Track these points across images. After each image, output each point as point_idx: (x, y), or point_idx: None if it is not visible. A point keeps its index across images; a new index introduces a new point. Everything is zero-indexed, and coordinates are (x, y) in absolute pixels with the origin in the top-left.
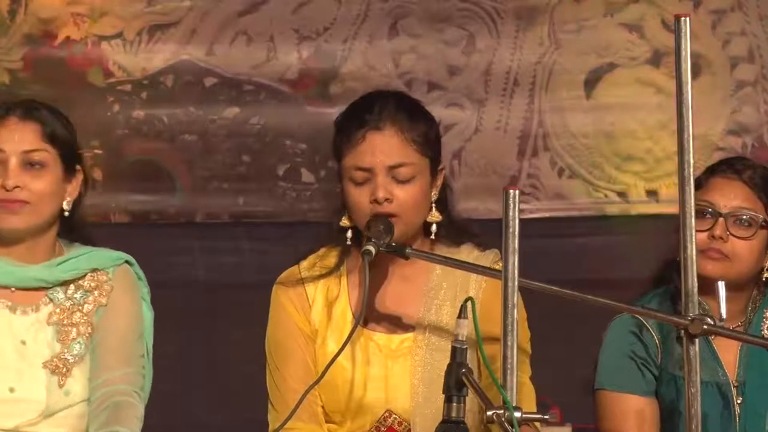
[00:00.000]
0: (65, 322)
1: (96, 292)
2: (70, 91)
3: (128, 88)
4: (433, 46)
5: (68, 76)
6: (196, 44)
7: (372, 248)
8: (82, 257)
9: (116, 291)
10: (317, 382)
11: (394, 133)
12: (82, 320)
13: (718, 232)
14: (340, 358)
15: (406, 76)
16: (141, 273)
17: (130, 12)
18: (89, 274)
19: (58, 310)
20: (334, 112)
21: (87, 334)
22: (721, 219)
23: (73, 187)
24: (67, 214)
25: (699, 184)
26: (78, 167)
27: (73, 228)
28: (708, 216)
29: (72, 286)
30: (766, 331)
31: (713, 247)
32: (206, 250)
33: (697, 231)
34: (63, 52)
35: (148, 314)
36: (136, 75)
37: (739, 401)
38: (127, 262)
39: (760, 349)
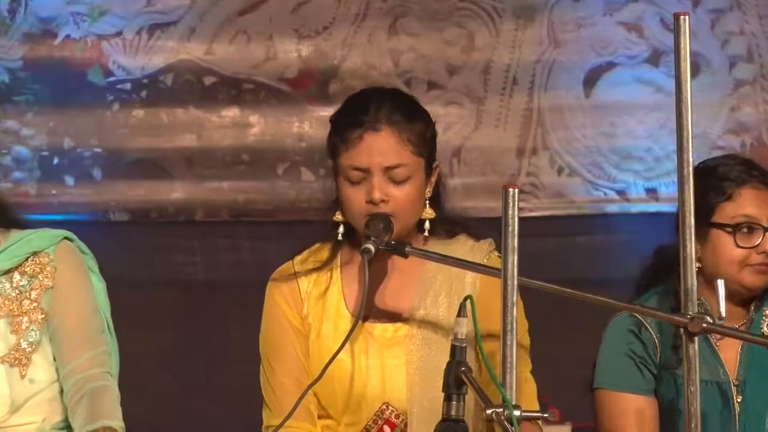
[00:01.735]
0: (16, 312)
1: (40, 276)
2: (70, 91)
3: (128, 87)
4: (433, 45)
5: (68, 76)
6: (196, 43)
7: (371, 246)
8: (18, 243)
9: (61, 271)
10: (316, 381)
11: (391, 133)
12: (32, 307)
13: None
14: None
15: (405, 75)
16: (84, 246)
17: (130, 11)
18: (30, 258)
19: (6, 302)
20: (334, 110)
21: (39, 320)
22: (767, 234)
23: None
24: None
25: (722, 193)
26: None
27: (1, 212)
28: (749, 231)
29: (16, 274)
30: (766, 329)
31: (764, 261)
32: (206, 248)
33: (743, 248)
34: (63, 51)
35: (99, 285)
36: (135, 74)
37: (738, 400)
38: (66, 238)
39: (760, 347)
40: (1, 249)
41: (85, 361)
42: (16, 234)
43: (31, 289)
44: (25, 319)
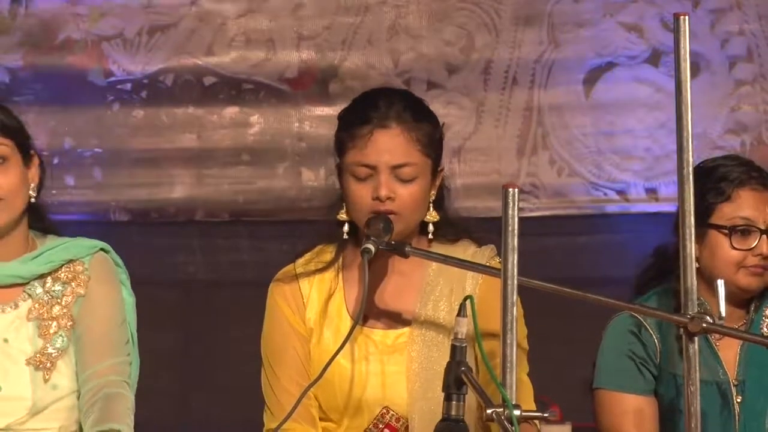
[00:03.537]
0: (45, 317)
1: (73, 283)
2: (70, 91)
3: (128, 87)
4: (433, 45)
5: (68, 76)
6: (196, 43)
7: (372, 247)
8: (56, 249)
9: (94, 280)
10: (315, 382)
11: (400, 132)
12: (62, 313)
13: (765, 250)
14: (337, 355)
15: (405, 75)
16: (118, 259)
17: (130, 12)
18: (65, 265)
19: (37, 305)
20: (334, 111)
21: (68, 327)
22: (764, 236)
23: (33, 173)
24: (33, 200)
25: (721, 194)
26: (32, 152)
27: (41, 216)
28: (745, 233)
29: (49, 279)
30: (765, 329)
31: (760, 264)
32: (206, 248)
33: (739, 249)
34: (63, 52)
35: (129, 299)
36: (135, 74)
37: (738, 400)
38: (102, 249)
39: (760, 347)
40: (37, 253)
41: (106, 367)
42: (51, 240)
43: (63, 296)
44: (54, 324)
